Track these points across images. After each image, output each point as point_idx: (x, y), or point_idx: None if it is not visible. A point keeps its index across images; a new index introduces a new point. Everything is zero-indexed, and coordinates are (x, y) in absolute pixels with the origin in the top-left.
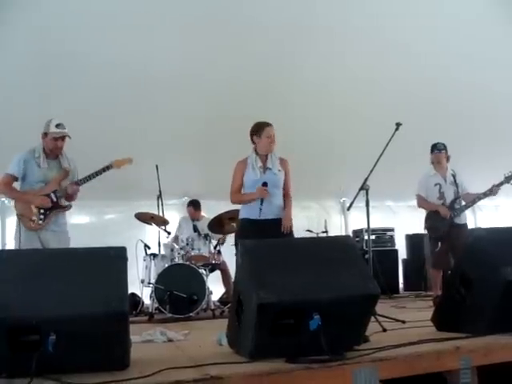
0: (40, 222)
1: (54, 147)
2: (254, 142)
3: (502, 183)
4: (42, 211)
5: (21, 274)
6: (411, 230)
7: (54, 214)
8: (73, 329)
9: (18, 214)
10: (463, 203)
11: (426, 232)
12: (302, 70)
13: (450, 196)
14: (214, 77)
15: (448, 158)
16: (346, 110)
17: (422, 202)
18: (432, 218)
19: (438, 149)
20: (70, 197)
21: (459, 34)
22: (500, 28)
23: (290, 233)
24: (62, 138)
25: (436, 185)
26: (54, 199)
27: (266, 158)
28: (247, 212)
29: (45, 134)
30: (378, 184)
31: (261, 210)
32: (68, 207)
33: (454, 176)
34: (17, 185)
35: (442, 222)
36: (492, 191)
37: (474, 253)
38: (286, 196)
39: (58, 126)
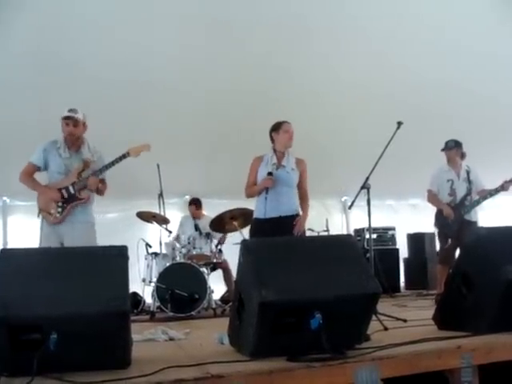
0: (58, 215)
1: (67, 133)
2: (272, 140)
3: None
4: (59, 204)
5: (23, 273)
6: (412, 228)
7: (72, 207)
8: (74, 328)
9: (39, 209)
10: (475, 199)
11: (434, 229)
12: (303, 69)
13: (461, 193)
14: (215, 76)
15: (463, 155)
16: (346, 109)
17: (430, 198)
18: (442, 215)
19: (447, 147)
20: (96, 190)
21: (460, 33)
22: (502, 27)
23: (301, 235)
24: (74, 123)
25: (448, 181)
26: (72, 192)
27: (283, 156)
28: (256, 211)
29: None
30: (379, 183)
31: (266, 198)
32: (85, 200)
33: (468, 172)
34: (41, 176)
35: (452, 220)
36: (503, 187)
37: (475, 252)
38: (304, 198)
39: (69, 110)
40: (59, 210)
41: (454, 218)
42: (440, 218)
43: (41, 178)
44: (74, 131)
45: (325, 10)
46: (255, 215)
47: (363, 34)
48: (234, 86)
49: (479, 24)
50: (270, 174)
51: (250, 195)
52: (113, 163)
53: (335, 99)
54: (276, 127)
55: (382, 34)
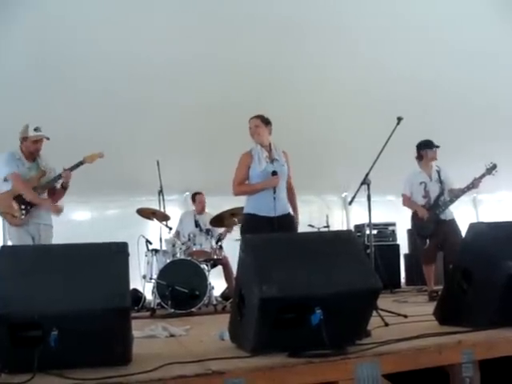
0: (22, 217)
1: (34, 150)
2: None
3: (483, 175)
4: (22, 207)
5: (23, 270)
6: None
7: (34, 209)
8: (75, 324)
9: (1, 212)
10: (448, 199)
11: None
12: (304, 66)
13: (434, 194)
14: (215, 74)
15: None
16: (347, 106)
17: (405, 202)
18: (418, 217)
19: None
20: (63, 189)
21: (458, 32)
22: (499, 26)
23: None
24: (41, 140)
25: (421, 183)
26: None
27: (270, 149)
28: (255, 207)
29: (24, 139)
30: (379, 178)
31: (275, 198)
32: (48, 201)
33: (438, 172)
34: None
35: (428, 220)
36: (473, 184)
37: (475, 247)
38: (291, 189)
39: (35, 129)
40: (23, 211)
41: (429, 219)
42: (416, 220)
43: None
44: (41, 147)
45: (314, 9)
46: (252, 210)
47: (363, 33)
48: (234, 82)
49: (479, 22)
50: (274, 173)
51: (242, 193)
52: (71, 169)
53: (336, 96)
54: None
55: (382, 33)
